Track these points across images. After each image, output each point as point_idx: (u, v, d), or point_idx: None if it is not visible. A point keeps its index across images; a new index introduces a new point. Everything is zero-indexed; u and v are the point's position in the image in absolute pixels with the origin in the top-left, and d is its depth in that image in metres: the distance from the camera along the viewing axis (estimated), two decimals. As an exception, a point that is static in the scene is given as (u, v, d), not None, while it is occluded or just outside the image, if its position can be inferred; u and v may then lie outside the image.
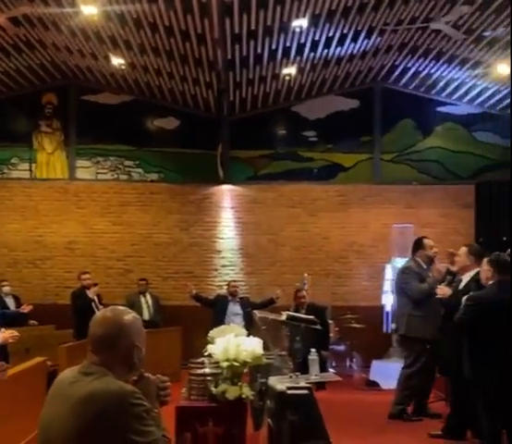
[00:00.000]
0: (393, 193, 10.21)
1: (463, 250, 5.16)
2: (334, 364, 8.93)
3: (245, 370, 4.47)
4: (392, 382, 6.42)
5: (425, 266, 6.11)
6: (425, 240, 6.26)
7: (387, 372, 7.74)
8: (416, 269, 6.14)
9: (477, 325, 4.39)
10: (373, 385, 8.06)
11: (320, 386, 7.63)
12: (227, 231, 10.12)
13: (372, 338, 8.97)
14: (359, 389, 7.93)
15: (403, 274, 6.26)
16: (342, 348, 9.17)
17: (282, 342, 5.82)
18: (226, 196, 10.14)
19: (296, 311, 7.38)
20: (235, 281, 9.14)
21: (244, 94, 9.48)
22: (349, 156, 10.27)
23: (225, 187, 10.11)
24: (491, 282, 4.45)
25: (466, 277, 5.13)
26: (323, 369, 7.95)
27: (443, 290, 5.20)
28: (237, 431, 4.20)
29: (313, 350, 4.63)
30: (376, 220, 10.09)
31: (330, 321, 8.79)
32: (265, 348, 4.66)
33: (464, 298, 4.56)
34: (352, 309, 9.43)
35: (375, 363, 8.62)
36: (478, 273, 4.92)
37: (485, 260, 4.54)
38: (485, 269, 4.49)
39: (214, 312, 8.58)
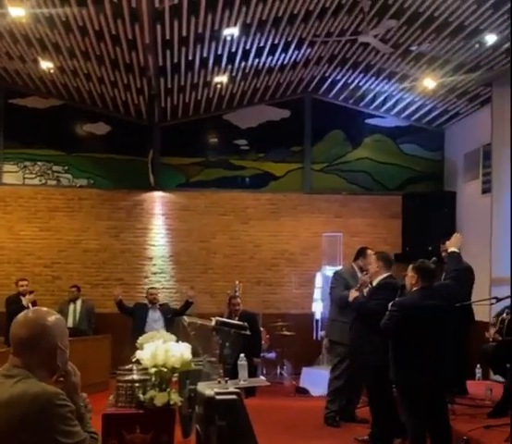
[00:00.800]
0: (323, 203, 10.40)
1: (372, 257, 5.29)
2: (264, 372, 8.98)
3: (174, 377, 4.46)
4: (322, 389, 6.50)
5: (359, 275, 6.14)
6: (368, 251, 6.27)
7: (317, 379, 7.84)
8: (345, 275, 6.25)
9: (401, 330, 4.50)
10: (303, 392, 8.14)
11: (250, 393, 7.67)
12: (158, 238, 10.06)
13: (303, 345, 9.09)
14: (289, 396, 8.00)
15: (332, 278, 6.39)
16: (273, 355, 9.24)
17: (212, 348, 5.82)
18: (158, 203, 10.09)
19: (229, 318, 7.39)
20: (153, 289, 9.03)
21: (175, 101, 9.47)
22: (280, 166, 10.40)
23: (157, 193, 10.07)
24: (415, 288, 4.59)
25: (375, 283, 5.28)
26: (254, 376, 8.00)
27: (352, 295, 5.36)
28: (165, 438, 4.17)
29: (242, 355, 4.66)
30: (307, 229, 10.24)
31: (261, 328, 8.84)
32: (195, 354, 4.66)
33: (389, 304, 4.67)
34: (283, 317, 9.53)
35: (305, 371, 8.71)
36: (385, 278, 5.14)
37: (410, 267, 4.68)
38: (410, 276, 4.63)
39: (134, 320, 8.50)
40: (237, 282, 8.66)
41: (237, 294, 8.39)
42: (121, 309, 8.70)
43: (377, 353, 5.12)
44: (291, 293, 10.11)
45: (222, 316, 7.21)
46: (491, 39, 7.33)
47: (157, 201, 10.09)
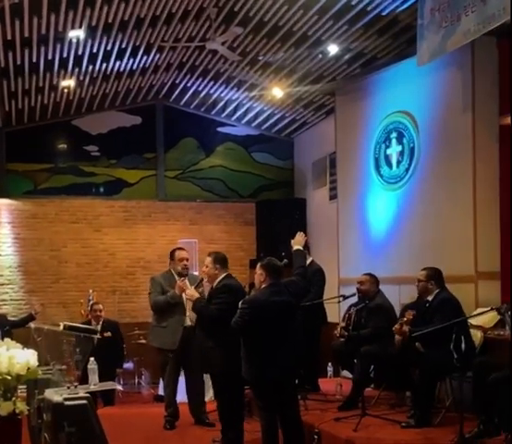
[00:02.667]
0: (178, 210, 10.40)
1: (208, 259, 5.31)
2: (121, 382, 8.78)
3: (22, 389, 4.25)
4: (181, 395, 6.44)
5: (178, 278, 6.01)
6: (177, 252, 6.20)
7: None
8: (160, 280, 6.19)
9: (252, 327, 4.58)
10: (162, 399, 8.03)
11: (108, 402, 7.48)
12: (5, 248, 9.62)
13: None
14: (148, 404, 7.88)
15: (149, 284, 6.36)
16: (130, 365, 9.04)
17: (62, 356, 5.61)
18: (3, 211, 9.64)
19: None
20: None
21: (20, 105, 9.08)
22: (133, 172, 10.29)
23: (2, 201, 9.62)
24: (263, 285, 4.70)
25: (214, 285, 5.29)
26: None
27: (190, 292, 5.39)
28: (10, 449, 3.95)
29: (92, 359, 4.53)
30: (162, 236, 10.19)
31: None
32: (44, 363, 4.47)
33: (240, 301, 4.74)
34: (140, 325, 9.36)
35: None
36: (223, 279, 5.20)
37: (258, 265, 4.80)
38: (258, 273, 4.75)
39: None
40: (90, 291, 8.44)
41: (89, 303, 8.17)
42: None
43: (221, 359, 5.12)
44: (148, 301, 9.95)
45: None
46: (333, 49, 7.70)
47: (2, 209, 9.63)
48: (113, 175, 10.21)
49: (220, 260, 5.30)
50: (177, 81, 9.44)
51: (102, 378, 5.03)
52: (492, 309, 4.81)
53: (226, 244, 10.21)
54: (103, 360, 6.83)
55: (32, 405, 4.68)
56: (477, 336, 5.58)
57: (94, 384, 4.32)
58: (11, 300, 9.43)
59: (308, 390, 6.46)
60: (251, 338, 4.63)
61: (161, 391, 8.40)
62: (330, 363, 7.20)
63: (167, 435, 5.95)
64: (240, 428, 5.21)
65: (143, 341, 9.00)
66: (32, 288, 9.64)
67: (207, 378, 6.87)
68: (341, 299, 6.50)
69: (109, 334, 7.77)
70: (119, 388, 5.02)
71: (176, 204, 10.39)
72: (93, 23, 6.90)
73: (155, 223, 10.25)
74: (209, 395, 6.63)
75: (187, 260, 6.12)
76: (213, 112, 10.39)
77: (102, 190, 10.15)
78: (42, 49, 7.34)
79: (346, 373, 7.15)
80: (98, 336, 4.71)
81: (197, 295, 5.34)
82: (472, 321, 5.55)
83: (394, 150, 7.38)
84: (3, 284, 9.57)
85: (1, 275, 9.58)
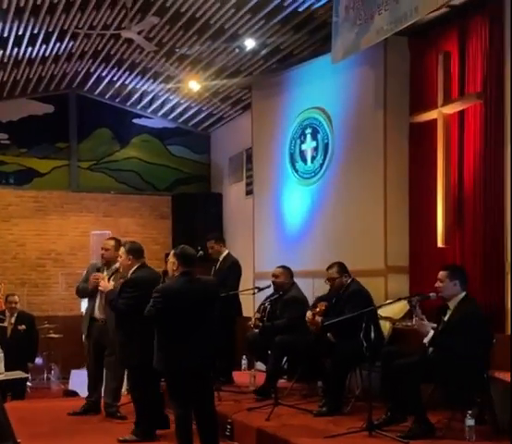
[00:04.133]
0: (91, 201, 10.21)
1: (121, 250, 5.27)
2: (30, 378, 8.53)
3: None
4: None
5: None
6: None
7: (86, 380, 7.62)
8: (89, 269, 6.10)
9: (164, 316, 4.54)
10: (72, 394, 7.89)
11: (18, 395, 7.26)
12: None
13: (72, 348, 8.74)
14: (58, 398, 7.71)
15: None
16: (39, 360, 8.80)
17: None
18: None
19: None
20: None
21: None
22: (45, 162, 10.03)
23: None
24: (176, 274, 4.67)
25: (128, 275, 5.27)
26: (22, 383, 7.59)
27: (103, 284, 5.35)
28: None
29: (-1, 348, 4.39)
30: (75, 228, 9.98)
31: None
32: None
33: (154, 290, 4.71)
34: (50, 319, 9.17)
35: (74, 373, 8.43)
36: (136, 270, 5.17)
37: (171, 253, 4.76)
38: (171, 261, 4.71)
39: None
40: (-3, 282, 8.17)
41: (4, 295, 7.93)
42: None
43: (135, 351, 5.07)
44: (59, 295, 9.76)
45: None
46: (249, 44, 7.72)
47: None
48: (23, 164, 9.93)
49: (133, 250, 5.22)
50: (92, 70, 9.24)
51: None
52: (400, 299, 4.96)
53: (141, 237, 10.02)
54: (15, 353, 6.65)
55: None
56: (386, 327, 5.76)
57: (1, 372, 4.17)
58: None
59: (222, 382, 6.48)
60: (165, 327, 4.59)
61: (71, 386, 8.26)
62: (244, 356, 7.24)
63: (76, 427, 5.83)
64: (154, 420, 5.18)
65: (53, 335, 8.83)
66: None
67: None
68: (256, 291, 6.54)
69: (23, 327, 7.52)
70: (26, 375, 4.85)
71: (89, 196, 10.20)
72: (4, 6, 6.66)
73: (68, 214, 10.03)
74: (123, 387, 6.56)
75: (106, 250, 5.98)
76: (129, 103, 10.25)
77: (11, 179, 9.83)
78: (-51, 31, 7.04)
79: (260, 366, 7.20)
80: (4, 324, 4.55)
81: (110, 287, 5.26)
82: (381, 313, 5.71)
83: (308, 145, 7.48)
84: None
85: None
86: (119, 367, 5.78)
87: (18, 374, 5.19)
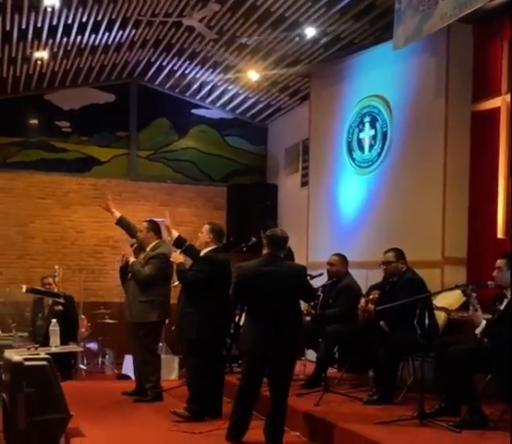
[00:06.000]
0: (148, 190, 10.32)
1: (206, 227, 5.55)
2: (85, 362, 8.71)
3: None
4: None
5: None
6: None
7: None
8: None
9: (237, 294, 4.73)
10: (125, 378, 8.01)
11: (66, 375, 7.41)
12: (-30, 221, 9.45)
13: (125, 333, 8.89)
14: (110, 380, 7.85)
15: None
16: (94, 345, 8.97)
17: (24, 324, 5.58)
18: (-30, 183, 9.49)
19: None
20: None
21: (-8, 76, 8.94)
22: (105, 150, 10.17)
23: (-31, 173, 9.47)
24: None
25: (202, 253, 5.50)
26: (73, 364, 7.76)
27: (176, 257, 5.54)
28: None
29: (54, 320, 4.48)
30: (132, 216, 9.91)
31: (82, 316, 8.60)
32: (6, 330, 4.42)
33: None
34: (105, 305, 9.32)
35: (128, 358, 8.52)
36: (211, 250, 5.43)
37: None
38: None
39: None
40: (56, 267, 8.32)
41: (56, 279, 8.08)
42: None
43: (195, 325, 5.18)
44: (115, 281, 9.87)
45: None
46: (310, 32, 7.67)
47: (-31, 181, 9.50)
48: (84, 152, 10.08)
49: (216, 231, 5.47)
50: (153, 60, 9.34)
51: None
52: (457, 287, 4.85)
53: (196, 227, 9.97)
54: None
55: (-8, 373, 4.62)
56: (441, 317, 5.64)
57: (55, 346, 4.26)
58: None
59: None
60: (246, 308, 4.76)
61: (124, 370, 8.38)
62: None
63: (127, 404, 5.94)
64: (207, 401, 5.23)
65: (109, 321, 8.97)
66: (-4, 262, 9.50)
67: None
68: (308, 278, 6.50)
69: (60, 307, 7.64)
70: (80, 349, 4.94)
71: (146, 185, 10.31)
72: (69, -7, 6.80)
73: (125, 202, 10.09)
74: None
75: (140, 231, 6.51)
76: (188, 93, 10.32)
77: (72, 166, 10.00)
78: (16, 17, 7.20)
79: (310, 356, 7.16)
80: (61, 300, 4.66)
81: (181, 259, 5.46)
82: (436, 303, 5.61)
83: (367, 134, 7.41)
84: (-33, 257, 9.43)
85: (-34, 248, 9.43)
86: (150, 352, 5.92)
87: (72, 347, 5.30)
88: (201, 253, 5.45)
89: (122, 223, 6.61)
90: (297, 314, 4.67)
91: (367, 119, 7.41)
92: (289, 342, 4.54)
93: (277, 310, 4.50)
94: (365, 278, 6.77)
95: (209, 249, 5.44)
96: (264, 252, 4.73)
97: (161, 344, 7.38)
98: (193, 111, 10.57)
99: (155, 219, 9.28)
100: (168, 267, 6.05)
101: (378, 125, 7.23)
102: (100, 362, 8.95)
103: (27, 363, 3.76)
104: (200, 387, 5.30)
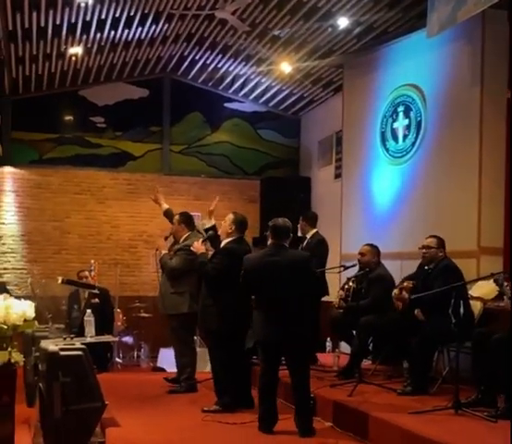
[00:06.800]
0: (182, 185, 10.37)
1: (229, 216, 5.50)
2: (121, 355, 8.80)
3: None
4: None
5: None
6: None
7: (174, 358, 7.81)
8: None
9: (244, 283, 4.69)
10: (160, 370, 8.08)
11: (102, 368, 7.50)
12: (8, 216, 9.61)
13: (160, 327, 8.97)
14: (146, 372, 7.92)
15: None
16: (130, 339, 9.06)
17: (60, 316, 5.66)
18: (8, 179, 9.63)
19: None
20: None
21: (28, 72, 9.04)
22: (139, 145, 10.25)
23: (6, 169, 9.61)
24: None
25: (222, 244, 5.45)
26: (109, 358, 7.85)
27: (197, 247, 5.50)
28: (6, 399, 3.98)
29: (89, 311, 4.54)
30: (166, 211, 10.13)
31: (118, 310, 8.68)
32: (43, 321, 4.49)
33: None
34: (140, 299, 9.40)
35: (163, 351, 8.61)
36: (231, 241, 5.36)
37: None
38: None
39: None
40: (92, 261, 8.44)
41: (91, 273, 8.19)
42: None
43: (216, 318, 5.17)
44: (149, 275, 9.96)
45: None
46: (342, 23, 7.62)
47: (7, 177, 9.62)
48: (118, 147, 10.18)
49: (238, 222, 5.38)
50: (185, 54, 9.38)
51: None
52: (492, 275, 4.78)
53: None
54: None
55: (29, 362, 4.71)
56: (476, 307, 5.56)
57: (91, 336, 4.32)
58: (13, 268, 9.45)
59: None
60: (255, 298, 4.64)
61: (159, 364, 8.46)
62: (329, 338, 7.19)
63: (162, 396, 5.99)
64: (237, 393, 5.24)
65: (144, 315, 9.04)
66: (34, 257, 9.65)
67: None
68: (342, 269, 6.49)
69: (96, 300, 7.72)
70: (115, 339, 5.01)
71: (180, 179, 10.36)
72: (102, -12, 6.87)
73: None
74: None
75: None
76: (221, 87, 10.34)
77: (106, 162, 10.11)
78: (51, 13, 7.30)
79: (344, 349, 7.14)
80: (96, 291, 4.72)
81: (203, 250, 5.43)
82: (472, 293, 5.53)
83: (400, 123, 7.33)
84: (5, 252, 9.59)
85: (3, 243, 9.59)
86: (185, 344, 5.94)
87: (107, 338, 5.36)
88: (222, 244, 5.40)
89: (168, 215, 6.70)
90: (306, 302, 4.65)
91: (401, 109, 7.34)
92: (299, 329, 4.55)
93: (284, 298, 4.52)
94: (399, 269, 6.70)
95: (230, 239, 5.37)
96: (269, 242, 4.72)
97: (195, 337, 7.42)
98: (226, 105, 10.59)
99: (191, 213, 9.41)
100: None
101: (412, 114, 7.16)
102: (135, 355, 9.03)
103: (62, 352, 3.81)
104: (226, 380, 5.30)
